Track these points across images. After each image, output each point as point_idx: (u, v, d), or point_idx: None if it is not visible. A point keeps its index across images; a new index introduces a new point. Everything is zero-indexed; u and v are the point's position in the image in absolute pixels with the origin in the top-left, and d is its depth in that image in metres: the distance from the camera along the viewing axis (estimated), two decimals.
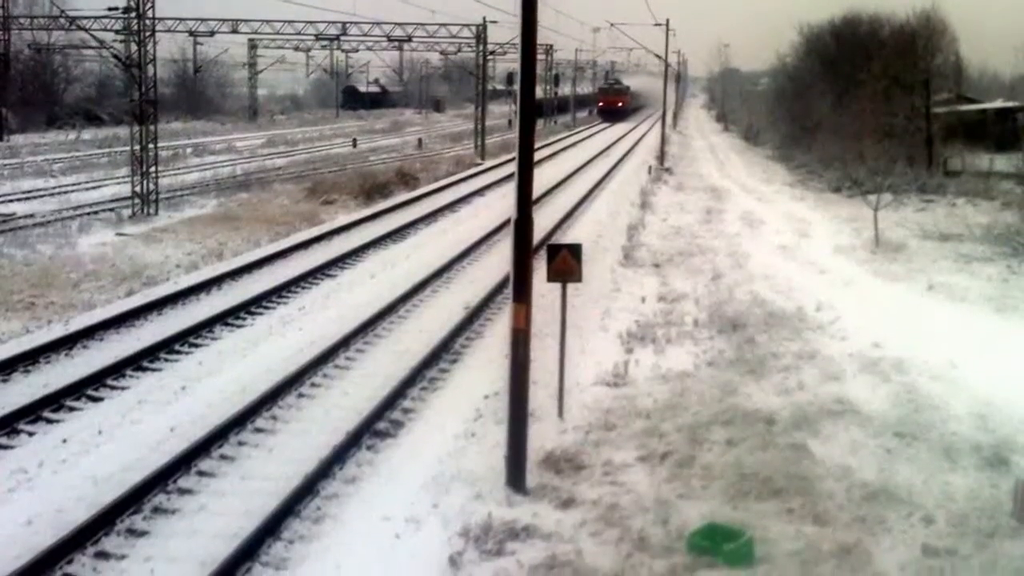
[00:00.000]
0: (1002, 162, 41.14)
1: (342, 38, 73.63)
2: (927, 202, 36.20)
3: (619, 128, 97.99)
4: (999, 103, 50.27)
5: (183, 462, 11.47)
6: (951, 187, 38.75)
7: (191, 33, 72.76)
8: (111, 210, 31.86)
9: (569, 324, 13.55)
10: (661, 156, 54.19)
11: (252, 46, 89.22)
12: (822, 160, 46.01)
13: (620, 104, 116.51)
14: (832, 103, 49.66)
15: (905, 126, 43.48)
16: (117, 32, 49.92)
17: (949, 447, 11.87)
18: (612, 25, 63.14)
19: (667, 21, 57.49)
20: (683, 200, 37.40)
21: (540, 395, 13.05)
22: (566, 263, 12.68)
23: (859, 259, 25.12)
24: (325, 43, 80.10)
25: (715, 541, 9.23)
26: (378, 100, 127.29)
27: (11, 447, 12.08)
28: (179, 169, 45.90)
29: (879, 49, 48.22)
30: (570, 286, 13.12)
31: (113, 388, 14.27)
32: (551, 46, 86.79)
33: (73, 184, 39.73)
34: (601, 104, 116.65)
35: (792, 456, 11.41)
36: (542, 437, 11.84)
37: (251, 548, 9.56)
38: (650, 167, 48.46)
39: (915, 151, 42.08)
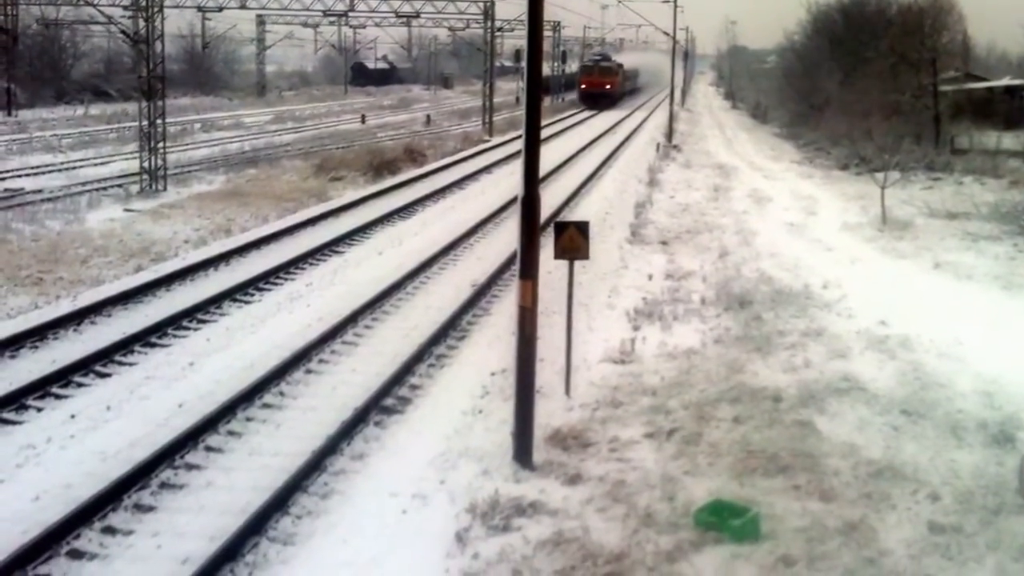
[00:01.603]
0: (1010, 140, 40.96)
1: (350, 14, 73.29)
2: (934, 180, 36.07)
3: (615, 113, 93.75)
4: (1006, 81, 50.00)
5: (191, 437, 11.50)
6: (958, 165, 38.57)
7: (199, 9, 72.69)
8: (119, 186, 31.89)
9: (576, 301, 13.56)
10: (669, 133, 54.03)
11: (260, 22, 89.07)
12: (830, 138, 45.89)
13: (608, 87, 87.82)
14: (840, 81, 49.49)
15: (912, 104, 43.27)
16: (125, 8, 49.66)
17: (955, 425, 11.87)
18: (620, 2, 62.66)
19: None
20: (691, 177, 37.31)
21: (547, 372, 13.07)
22: (573, 240, 12.66)
23: (866, 237, 25.07)
24: (333, 19, 79.88)
25: (722, 517, 9.25)
26: (386, 76, 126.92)
27: (20, 423, 12.12)
28: (187, 145, 45.92)
29: (886, 27, 48.00)
30: (577, 263, 13.12)
31: (121, 364, 14.30)
32: (559, 23, 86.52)
33: (81, 159, 39.73)
34: (583, 87, 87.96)
35: (798, 433, 11.43)
36: (549, 414, 11.87)
37: (259, 523, 9.60)
38: (658, 144, 48.32)
39: (922, 129, 41.91)
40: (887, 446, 11.19)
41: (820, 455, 10.87)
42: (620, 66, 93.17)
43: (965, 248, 23.47)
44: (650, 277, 19.77)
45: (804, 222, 27.43)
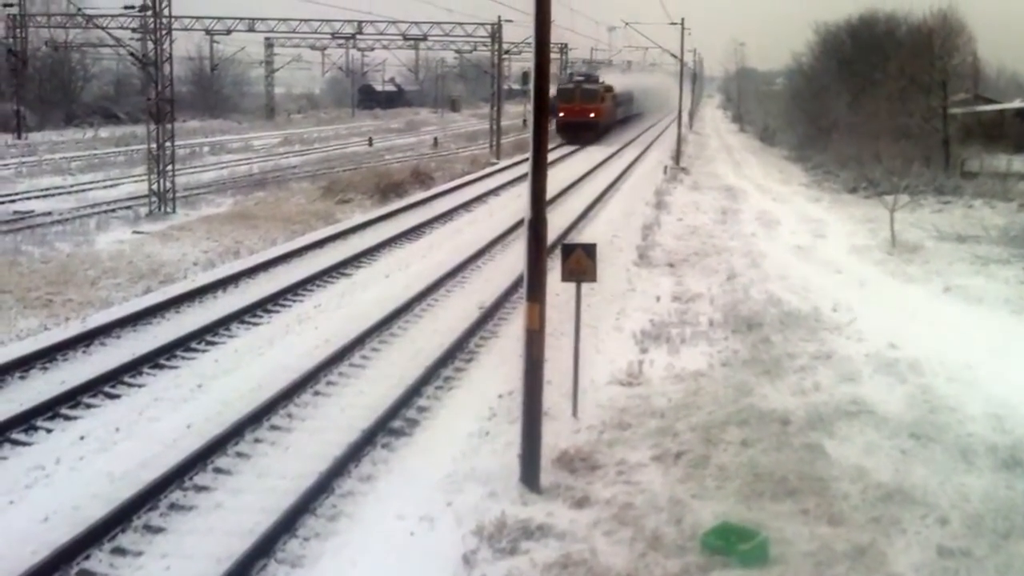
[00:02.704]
0: (1020, 163, 41.02)
1: (358, 37, 73.94)
2: (944, 203, 36.07)
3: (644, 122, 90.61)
4: (1017, 104, 49.97)
5: (199, 459, 11.53)
6: (968, 188, 38.58)
7: (208, 31, 73.25)
8: (128, 208, 32.04)
9: (583, 323, 13.56)
10: (677, 156, 54.09)
11: (268, 44, 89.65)
12: (838, 160, 45.92)
13: (592, 115, 68.48)
14: (848, 103, 49.57)
15: (922, 126, 43.32)
16: (134, 30, 50.14)
17: (965, 448, 11.82)
18: (627, 24, 62.84)
19: (682, 20, 57.31)
20: (699, 200, 37.34)
21: (554, 394, 13.06)
22: (580, 263, 12.69)
23: (875, 260, 25.05)
24: (341, 42, 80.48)
25: (729, 541, 9.23)
26: (394, 99, 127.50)
27: (29, 444, 12.14)
28: (196, 167, 46.13)
29: (896, 49, 48.09)
30: (585, 285, 13.14)
31: (130, 385, 14.33)
32: (565, 45, 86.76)
33: (91, 182, 39.95)
34: (562, 115, 66.69)
35: (807, 457, 11.39)
36: (556, 436, 11.86)
37: (267, 545, 9.60)
38: (665, 167, 48.40)
39: (932, 152, 41.94)
40: (896, 470, 11.14)
41: (829, 479, 10.84)
42: (609, 89, 74.49)
43: (975, 272, 23.43)
44: (658, 299, 19.77)
45: (813, 245, 27.43)
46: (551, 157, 61.34)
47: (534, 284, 10.62)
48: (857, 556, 9.20)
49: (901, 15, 52.42)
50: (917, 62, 44.69)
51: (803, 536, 9.54)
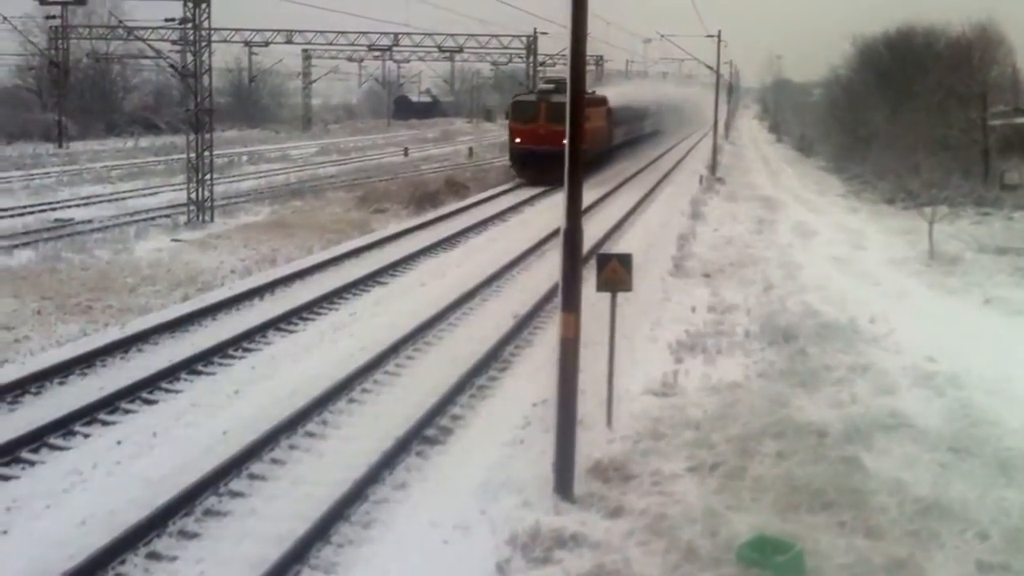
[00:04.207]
0: None
1: (394, 48, 74.43)
2: (983, 215, 35.72)
3: (661, 144, 75.21)
4: None
5: (235, 465, 11.58)
6: (1008, 200, 38.19)
7: (246, 43, 73.97)
8: (167, 216, 32.39)
9: (618, 333, 13.50)
10: (713, 166, 53.92)
11: (306, 56, 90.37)
12: (876, 172, 45.65)
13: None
14: (886, 115, 49.22)
15: (960, 139, 42.97)
16: (174, 42, 50.83)
17: (1005, 462, 11.66)
18: (663, 36, 62.40)
19: (719, 32, 57.08)
20: (734, 210, 37.17)
21: (588, 404, 13.02)
22: (616, 273, 12.66)
23: (913, 271, 24.83)
24: (378, 53, 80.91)
25: (765, 553, 9.14)
26: (429, 110, 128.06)
27: (67, 448, 12.26)
28: (234, 177, 46.53)
29: (934, 61, 47.73)
30: (620, 295, 13.10)
31: (167, 391, 14.43)
32: (601, 57, 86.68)
33: (130, 190, 40.43)
34: (518, 140, 45.67)
35: (844, 469, 11.27)
36: (590, 445, 11.80)
37: (301, 551, 9.61)
38: (701, 177, 48.23)
39: (971, 164, 41.60)
40: (935, 483, 11.01)
41: (866, 491, 10.72)
42: (600, 102, 50.44)
43: (1015, 284, 23.17)
44: (693, 310, 19.66)
45: (850, 256, 27.23)
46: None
47: (569, 294, 10.60)
48: (895, 570, 9.11)
49: (940, 28, 52.09)
50: (956, 74, 44.36)
51: (839, 549, 9.44)
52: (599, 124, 49.25)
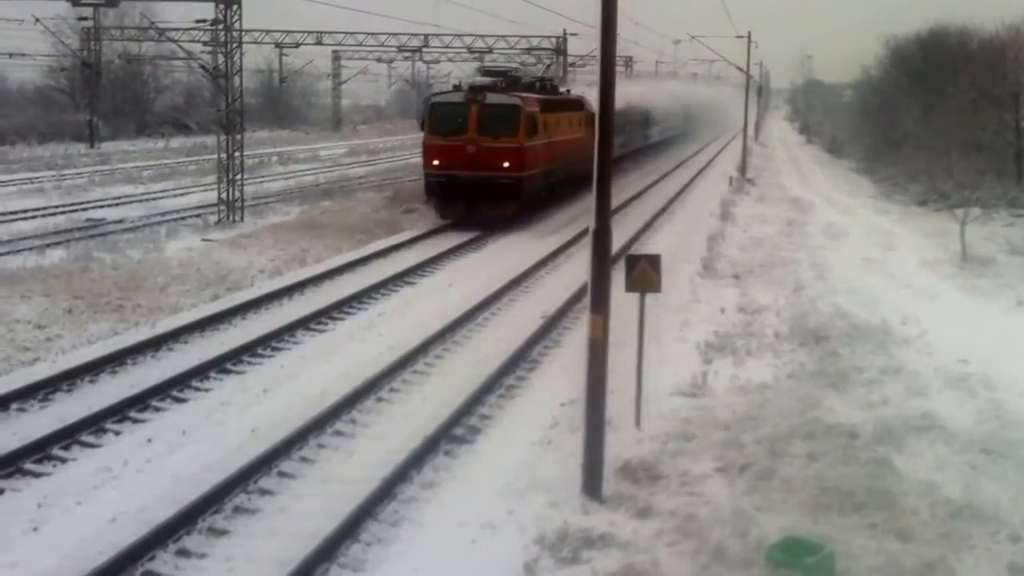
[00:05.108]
0: None
1: (424, 49, 74.53)
2: (1016, 216, 35.38)
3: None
4: None
5: (264, 463, 11.64)
6: None
7: (277, 45, 74.46)
8: (198, 216, 32.62)
9: (647, 334, 13.49)
10: (743, 167, 53.71)
11: (336, 57, 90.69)
12: (907, 173, 45.32)
13: (508, 165, 29.37)
14: (918, 116, 48.89)
15: (994, 140, 42.57)
16: (205, 44, 51.17)
17: None
18: (693, 38, 62.24)
19: (748, 33, 56.92)
20: (764, 211, 37.00)
21: (617, 404, 12.96)
22: (645, 273, 12.65)
23: (945, 273, 24.65)
24: (407, 54, 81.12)
25: (795, 555, 9.11)
26: None
27: (98, 446, 12.38)
28: (264, 177, 46.78)
29: (967, 62, 47.34)
30: (648, 296, 13.07)
31: (197, 390, 14.55)
32: (631, 58, 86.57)
33: (161, 191, 40.77)
34: (435, 162, 30.03)
35: (875, 471, 11.22)
36: (619, 446, 11.80)
37: (329, 549, 9.66)
38: (731, 178, 48.06)
39: (1004, 165, 41.19)
40: (966, 485, 10.93)
41: (897, 493, 10.67)
42: (578, 105, 38.74)
43: None
44: (722, 311, 19.60)
45: (881, 257, 27.05)
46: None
47: (598, 294, 10.60)
48: (926, 572, 9.07)
49: (973, 29, 51.70)
50: (989, 76, 43.96)
51: (870, 551, 9.40)
52: (575, 135, 36.35)
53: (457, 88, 32.46)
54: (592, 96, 30.36)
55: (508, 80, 33.07)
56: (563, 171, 34.80)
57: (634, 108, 51.51)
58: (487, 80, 32.09)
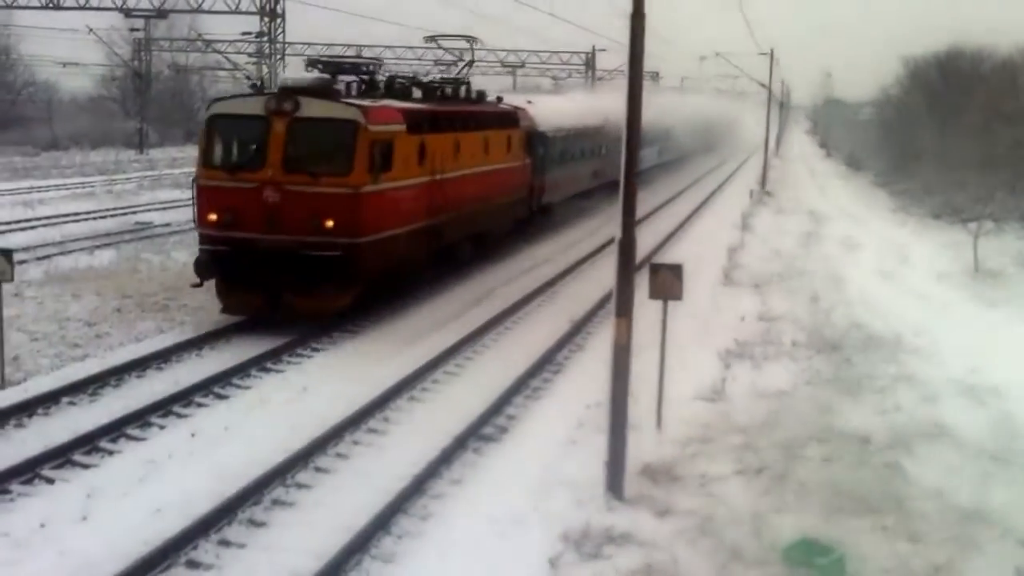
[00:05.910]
0: None
1: (459, 63, 74.84)
2: None
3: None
4: None
5: (302, 458, 12.02)
6: None
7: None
8: None
9: (669, 340, 13.84)
10: (763, 180, 53.90)
11: None
12: (923, 187, 45.51)
13: (333, 223, 17.09)
14: (935, 133, 49.13)
15: (1006, 156, 42.76)
16: (250, 55, 51.95)
17: None
18: (718, 54, 62.33)
19: (771, 51, 57.10)
20: (783, 223, 37.24)
21: (639, 407, 13.21)
22: (667, 281, 13.02)
23: (958, 285, 24.89)
24: (443, 67, 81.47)
25: (809, 555, 9.43)
26: None
27: (143, 439, 12.78)
28: None
29: (981, 82, 47.67)
30: (671, 303, 13.46)
31: (239, 387, 14.99)
32: (657, 73, 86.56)
33: None
34: (213, 219, 17.92)
35: (887, 475, 11.57)
36: (641, 447, 12.06)
37: (362, 541, 10.00)
38: (751, 191, 48.29)
39: (1016, 181, 41.33)
40: (976, 491, 11.22)
41: (908, 497, 10.98)
42: (512, 120, 27.18)
43: None
44: (742, 319, 19.89)
45: (896, 269, 27.29)
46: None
47: (622, 300, 10.91)
48: (934, 574, 9.36)
49: (987, 51, 52.14)
50: (1003, 95, 44.24)
51: (881, 553, 9.71)
52: (495, 165, 25.11)
53: (257, 90, 21.77)
54: (541, 106, 27.95)
55: (319, 83, 18.94)
56: (469, 224, 23.38)
57: (599, 124, 37.43)
58: (310, 77, 19.31)
